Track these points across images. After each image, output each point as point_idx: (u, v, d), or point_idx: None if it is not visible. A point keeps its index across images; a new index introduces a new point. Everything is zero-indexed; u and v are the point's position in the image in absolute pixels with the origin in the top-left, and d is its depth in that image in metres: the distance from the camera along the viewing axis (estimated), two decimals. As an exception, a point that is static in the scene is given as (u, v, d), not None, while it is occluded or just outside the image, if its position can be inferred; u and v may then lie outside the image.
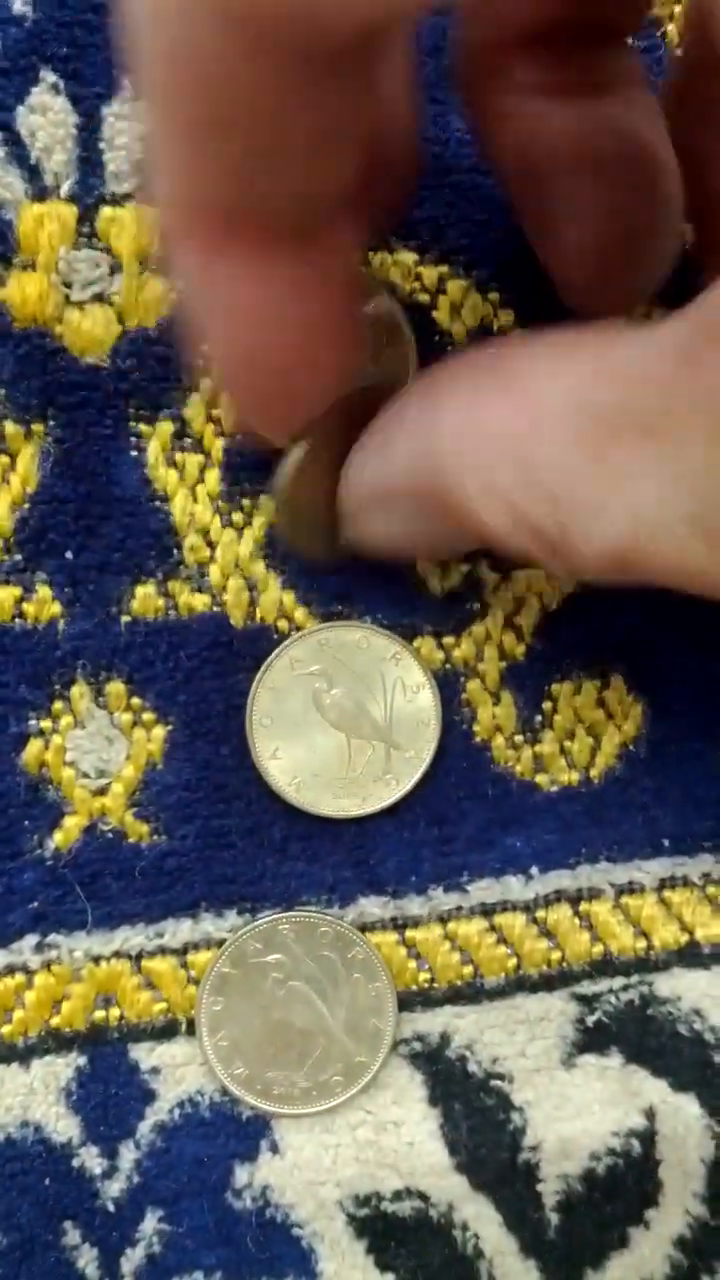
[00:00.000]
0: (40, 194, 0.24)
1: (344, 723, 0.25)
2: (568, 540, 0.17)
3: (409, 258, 0.25)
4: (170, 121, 0.16)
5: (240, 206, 0.17)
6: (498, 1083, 0.26)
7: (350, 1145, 0.26)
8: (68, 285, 0.24)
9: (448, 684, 0.26)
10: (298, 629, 0.25)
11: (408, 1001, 0.26)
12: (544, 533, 0.18)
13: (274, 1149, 0.26)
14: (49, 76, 0.24)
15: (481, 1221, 0.26)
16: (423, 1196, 0.26)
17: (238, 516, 0.25)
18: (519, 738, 0.26)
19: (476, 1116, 0.26)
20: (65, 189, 0.24)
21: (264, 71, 0.15)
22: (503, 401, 0.18)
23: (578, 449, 0.17)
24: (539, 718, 0.26)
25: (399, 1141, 0.26)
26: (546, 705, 0.26)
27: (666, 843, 0.27)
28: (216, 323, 0.19)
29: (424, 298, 0.25)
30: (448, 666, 0.26)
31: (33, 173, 0.24)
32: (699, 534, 0.16)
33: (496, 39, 0.20)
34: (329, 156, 0.17)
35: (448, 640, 0.26)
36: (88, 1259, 0.26)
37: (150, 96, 0.16)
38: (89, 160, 0.24)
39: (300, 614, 0.25)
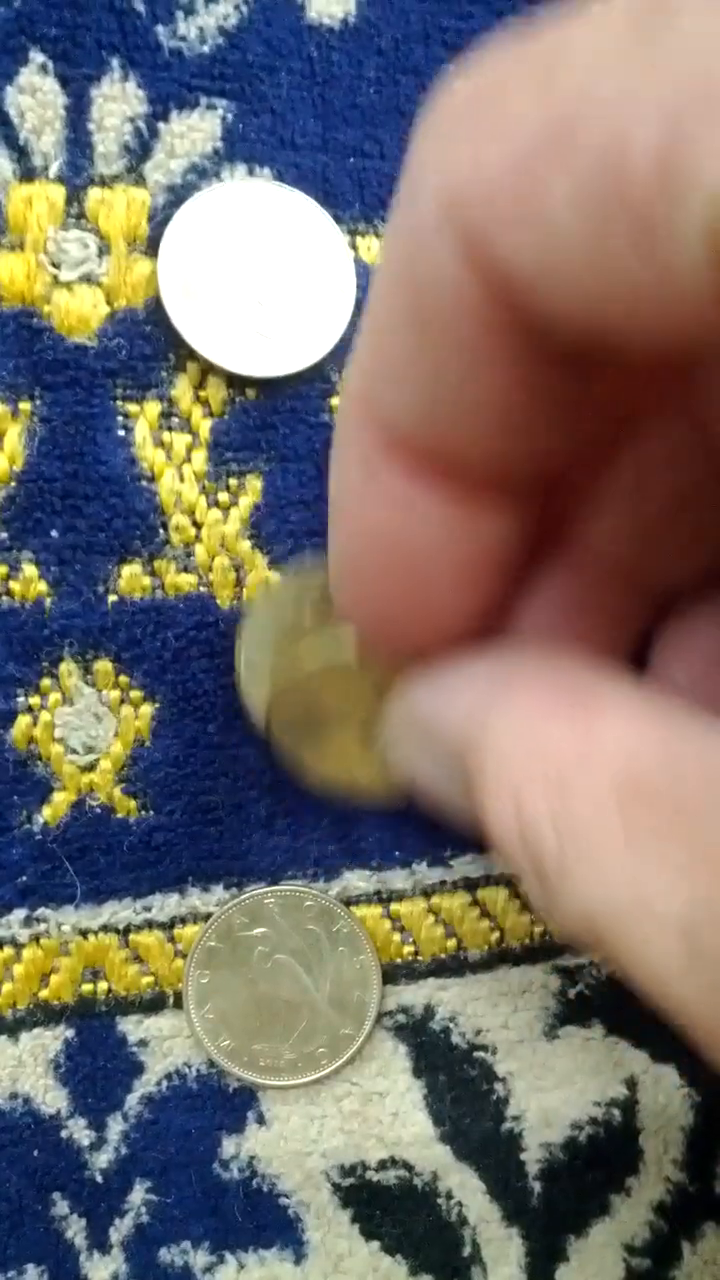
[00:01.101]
0: (29, 174, 0.25)
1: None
2: (557, 877, 0.17)
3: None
4: (390, 330, 0.16)
5: (431, 435, 0.17)
6: (481, 1054, 0.27)
7: (336, 1116, 0.27)
8: (56, 265, 0.25)
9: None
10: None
11: (392, 974, 0.27)
12: (540, 856, 0.17)
13: (260, 1120, 0.27)
14: (38, 57, 0.24)
15: (465, 1190, 0.27)
16: (407, 1166, 0.27)
17: (224, 497, 0.26)
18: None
19: (460, 1087, 0.27)
20: (54, 170, 0.25)
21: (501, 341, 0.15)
22: (561, 725, 0.17)
23: (614, 810, 0.16)
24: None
25: (384, 1112, 0.27)
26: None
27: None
28: (350, 519, 0.18)
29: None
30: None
31: (21, 153, 0.24)
32: (685, 946, 0.16)
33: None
34: (533, 433, 0.16)
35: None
36: (76, 1229, 0.27)
37: (382, 301, 0.16)
38: (77, 141, 0.25)
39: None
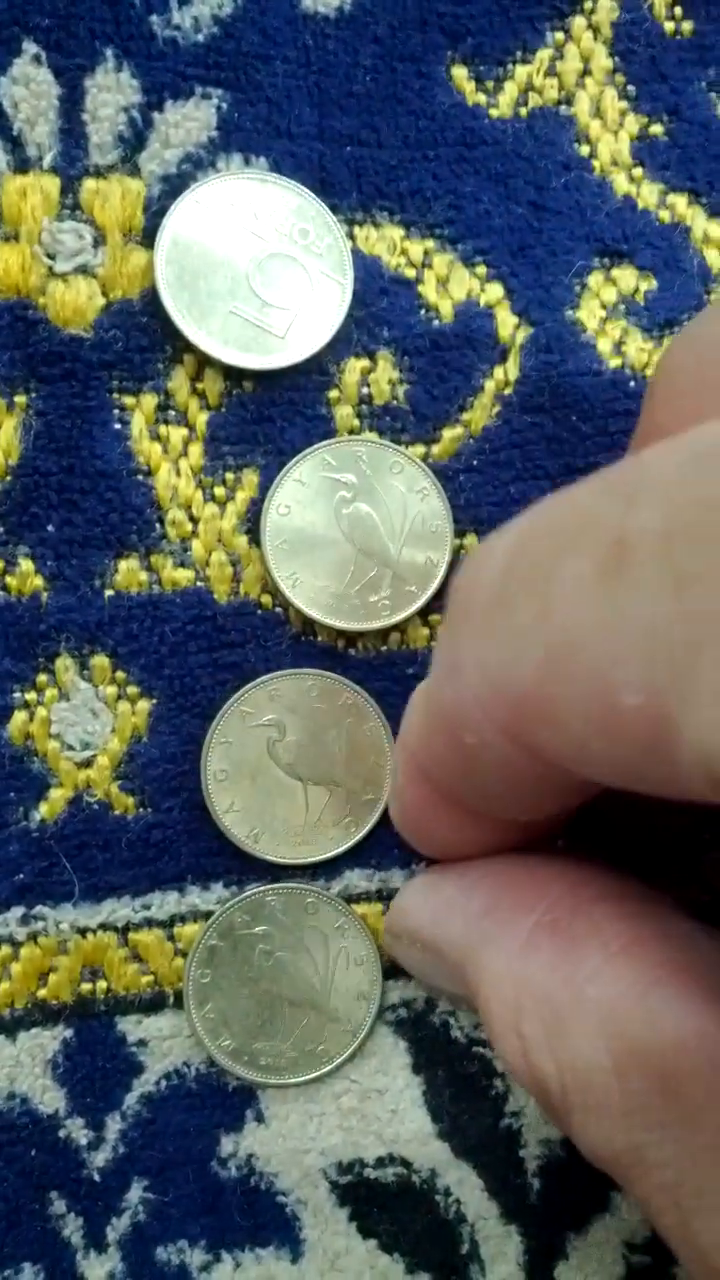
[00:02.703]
0: (23, 165, 0.25)
1: (299, 769, 0.27)
2: (566, 1116, 0.20)
3: (395, 232, 0.27)
4: (435, 742, 0.21)
5: (435, 773, 0.22)
6: (480, 1049, 0.28)
7: (334, 1114, 0.28)
8: (51, 257, 0.25)
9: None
10: (281, 606, 0.27)
11: (393, 970, 0.27)
12: (548, 1093, 0.20)
13: (259, 1118, 0.27)
14: (31, 47, 0.25)
15: (464, 1187, 0.28)
16: (405, 1163, 0.28)
17: (220, 491, 0.26)
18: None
19: (459, 1084, 0.28)
20: (48, 160, 0.25)
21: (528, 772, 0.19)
22: (551, 972, 0.21)
23: (606, 1055, 0.19)
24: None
25: (382, 1109, 0.28)
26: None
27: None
28: (411, 815, 0.24)
29: (410, 272, 0.27)
30: (434, 644, 0.27)
31: (15, 144, 0.25)
32: (678, 1215, 0.19)
33: None
34: (520, 806, 0.22)
35: (434, 617, 0.27)
36: (73, 1228, 0.27)
37: (429, 726, 0.21)
38: (71, 132, 0.25)
39: (284, 590, 0.27)
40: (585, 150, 0.27)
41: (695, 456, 0.16)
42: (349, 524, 0.26)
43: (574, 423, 0.27)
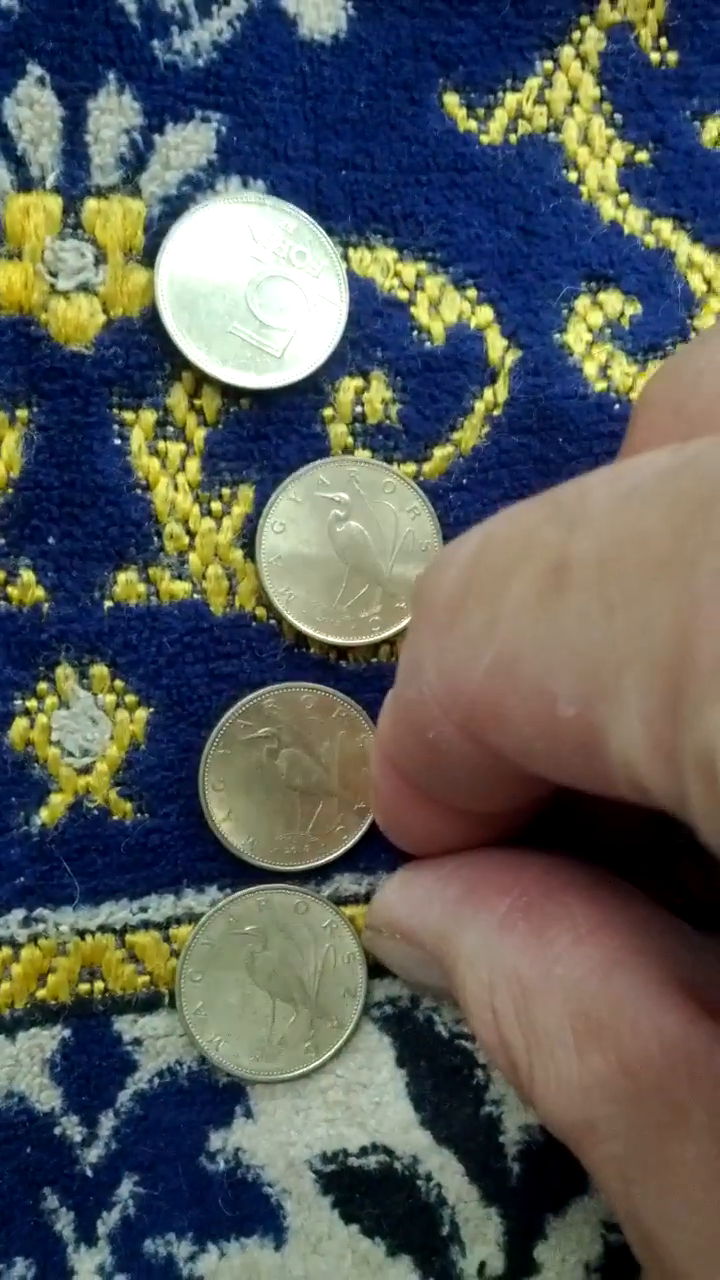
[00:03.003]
0: (26, 185, 0.26)
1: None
2: (530, 1086, 0.22)
3: (388, 254, 0.28)
4: (404, 738, 0.23)
5: (406, 769, 0.24)
6: (463, 1042, 0.29)
7: (321, 1107, 0.29)
8: (53, 274, 0.26)
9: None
10: (275, 619, 0.28)
11: (381, 967, 0.29)
12: (515, 1065, 0.22)
13: (248, 1114, 0.28)
14: (35, 69, 0.25)
15: (445, 1172, 0.29)
16: (388, 1151, 0.29)
17: (217, 506, 0.27)
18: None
19: (441, 1074, 0.29)
20: (51, 180, 0.26)
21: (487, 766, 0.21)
22: (522, 953, 0.22)
23: (569, 1029, 0.21)
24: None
25: (367, 1101, 0.29)
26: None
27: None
28: (386, 808, 0.26)
29: (403, 294, 0.28)
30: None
31: (19, 164, 0.26)
32: (622, 1183, 0.20)
33: None
34: (485, 801, 0.23)
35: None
36: (64, 1222, 0.28)
37: (401, 723, 0.23)
38: (74, 153, 0.26)
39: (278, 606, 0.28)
40: (573, 176, 0.28)
41: (631, 489, 0.17)
42: (342, 542, 0.27)
43: (560, 444, 0.28)
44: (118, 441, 0.27)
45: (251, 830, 0.28)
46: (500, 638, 0.18)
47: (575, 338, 0.28)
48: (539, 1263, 0.29)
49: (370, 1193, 0.29)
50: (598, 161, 0.28)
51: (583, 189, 0.28)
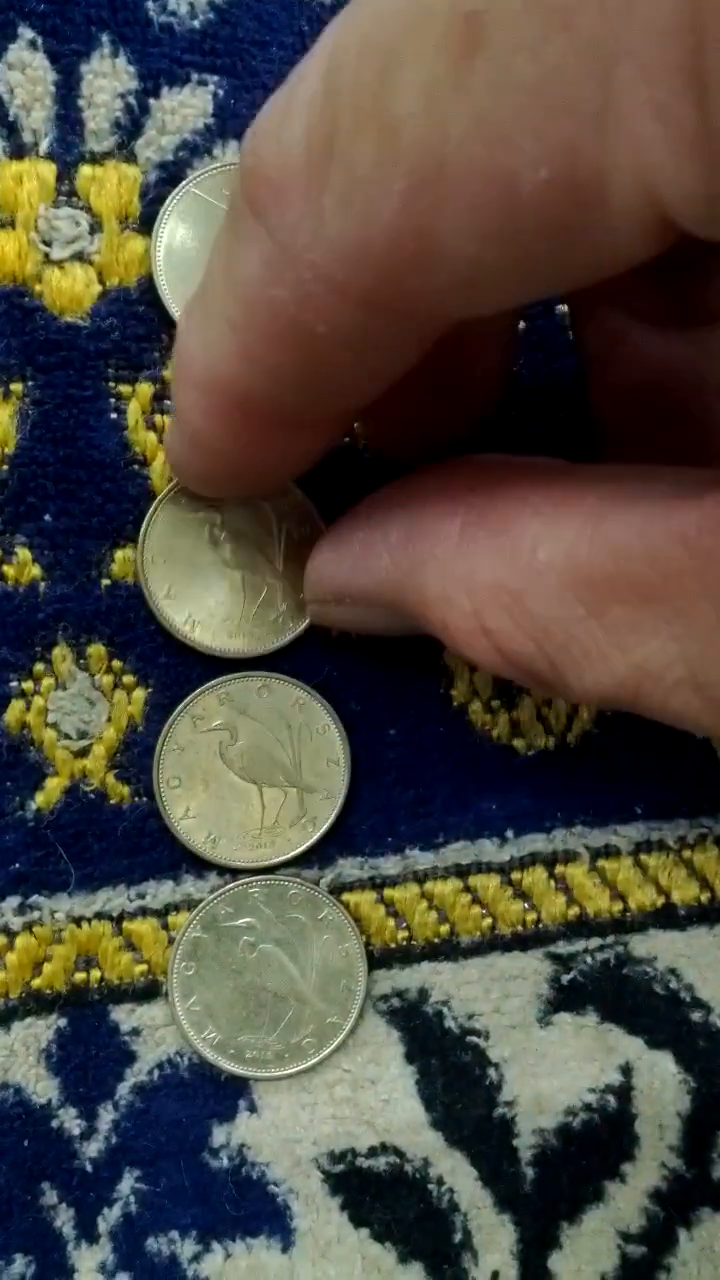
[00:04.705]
0: (18, 152, 0.26)
1: (253, 772, 0.28)
2: (562, 679, 0.20)
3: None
4: (272, 346, 0.19)
5: (261, 399, 0.21)
6: (474, 1039, 0.29)
7: (327, 1103, 0.29)
8: (47, 244, 0.26)
9: (427, 649, 0.28)
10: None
11: (386, 958, 0.29)
12: (536, 672, 0.20)
13: (252, 1109, 0.28)
14: (26, 33, 0.26)
15: (457, 1176, 0.29)
16: (398, 1152, 0.29)
17: (217, 479, 0.27)
18: (496, 703, 0.29)
19: (452, 1072, 0.29)
20: (44, 146, 0.26)
21: (354, 328, 0.18)
22: (494, 557, 0.20)
23: (576, 605, 0.19)
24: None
25: (375, 1098, 0.29)
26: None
27: (640, 808, 0.30)
28: (214, 454, 0.23)
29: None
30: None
31: (11, 130, 0.26)
32: (699, 695, 0.18)
33: None
34: (366, 390, 0.21)
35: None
36: (64, 1219, 0.28)
37: (228, 300, 0.20)
38: (68, 118, 0.26)
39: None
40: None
41: None
42: (227, 551, 0.28)
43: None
44: (114, 415, 0.27)
45: (211, 826, 0.28)
46: (407, 150, 0.15)
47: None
48: (553, 1273, 0.29)
49: (380, 1196, 0.29)
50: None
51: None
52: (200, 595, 0.27)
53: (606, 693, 0.19)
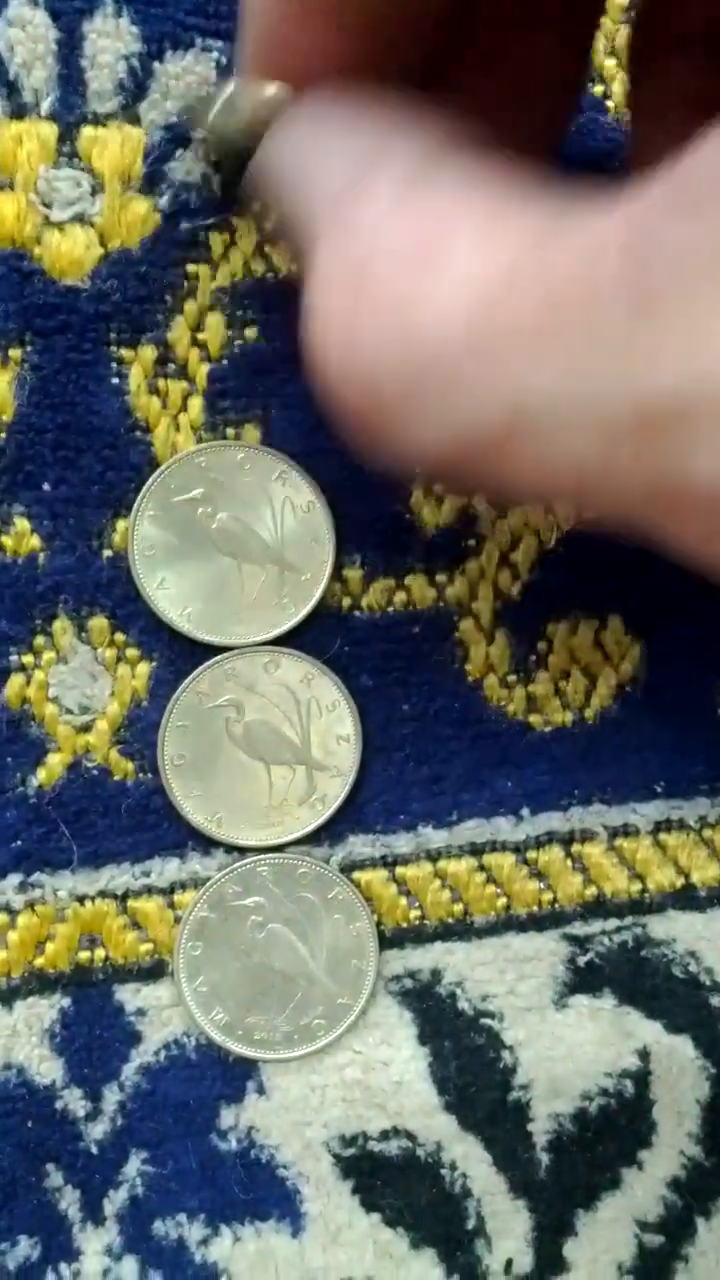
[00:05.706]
0: (19, 111, 0.26)
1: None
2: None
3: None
4: None
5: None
6: (488, 1021, 0.28)
7: (338, 1085, 0.28)
8: (47, 205, 0.26)
9: (440, 622, 0.28)
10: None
11: (398, 938, 0.28)
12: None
13: (260, 1090, 0.28)
14: (26, -12, 0.25)
15: (470, 1161, 0.29)
16: (410, 1136, 0.28)
17: (222, 447, 0.27)
18: (512, 677, 0.29)
19: (466, 1055, 0.29)
20: (45, 106, 0.26)
21: None
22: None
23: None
24: (533, 657, 0.29)
25: (387, 1081, 0.28)
26: (541, 645, 0.29)
27: (661, 786, 0.29)
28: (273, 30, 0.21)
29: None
30: (440, 604, 0.28)
31: (11, 89, 0.26)
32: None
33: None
34: None
35: (440, 577, 0.28)
36: (70, 1201, 0.28)
37: None
38: (69, 78, 0.26)
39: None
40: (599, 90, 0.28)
41: None
42: (219, 538, 0.27)
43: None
44: (115, 380, 0.27)
45: (217, 805, 0.28)
46: None
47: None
48: (569, 1261, 0.29)
49: (392, 1180, 0.29)
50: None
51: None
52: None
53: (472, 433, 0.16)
